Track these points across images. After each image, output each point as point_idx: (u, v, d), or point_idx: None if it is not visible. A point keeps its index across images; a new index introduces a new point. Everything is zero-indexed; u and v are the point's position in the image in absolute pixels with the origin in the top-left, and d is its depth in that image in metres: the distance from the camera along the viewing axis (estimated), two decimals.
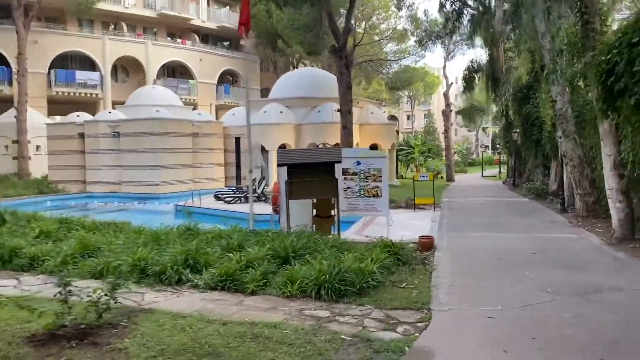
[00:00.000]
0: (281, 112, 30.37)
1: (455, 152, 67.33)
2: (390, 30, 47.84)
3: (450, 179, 40.23)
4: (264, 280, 7.54)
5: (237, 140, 32.89)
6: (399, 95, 76.98)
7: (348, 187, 11.61)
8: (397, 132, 62.29)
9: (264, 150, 28.52)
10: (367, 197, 11.57)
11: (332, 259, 7.79)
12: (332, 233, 11.05)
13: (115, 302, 5.95)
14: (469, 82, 30.97)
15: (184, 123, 28.90)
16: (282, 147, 29.62)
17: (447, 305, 6.70)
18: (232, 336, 5.52)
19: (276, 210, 11.97)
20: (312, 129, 29.84)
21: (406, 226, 14.36)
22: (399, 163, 46.60)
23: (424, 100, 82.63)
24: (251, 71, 51.48)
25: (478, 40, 39.29)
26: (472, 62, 30.75)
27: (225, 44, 53.45)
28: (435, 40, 43.38)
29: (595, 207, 13.86)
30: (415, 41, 46.25)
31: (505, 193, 25.28)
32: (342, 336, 5.56)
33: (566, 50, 10.77)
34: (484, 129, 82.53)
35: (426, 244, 10.51)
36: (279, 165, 10.41)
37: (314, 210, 11.15)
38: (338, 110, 24.00)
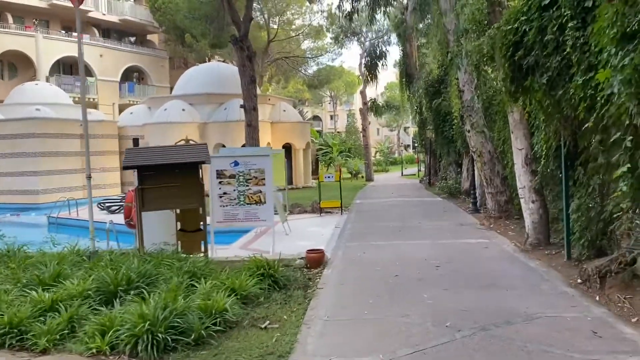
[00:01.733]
0: (183, 109, 27.89)
1: (377, 152, 67.10)
2: (306, 27, 46.39)
3: (369, 178, 39.18)
4: (67, 331, 5.38)
5: (136, 141, 30.00)
6: (322, 95, 76.04)
7: (224, 193, 9.61)
8: (320, 132, 61.05)
9: None
10: (247, 204, 9.61)
11: (170, 294, 5.76)
12: (203, 250, 9.02)
13: None
14: (370, 69, 29.42)
15: (70, 123, 25.65)
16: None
17: (312, 358, 4.86)
18: None
19: (131, 225, 9.74)
20: (218, 127, 27.60)
21: (305, 235, 12.59)
22: (319, 163, 45.18)
23: (346, 100, 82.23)
24: (159, 68, 48.30)
25: (393, 38, 38.81)
26: (373, 46, 29.25)
27: (132, 39, 49.78)
28: (351, 37, 42.30)
29: (508, 207, 12.69)
30: (331, 38, 45.18)
31: (420, 192, 24.22)
32: None
33: (471, 29, 9.40)
34: (405, 129, 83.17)
35: (315, 260, 8.73)
36: (124, 167, 8.23)
37: (179, 223, 9.03)
38: (241, 107, 21.90)
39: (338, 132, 71.78)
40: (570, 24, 5.52)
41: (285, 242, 11.37)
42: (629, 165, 4.42)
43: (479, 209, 14.99)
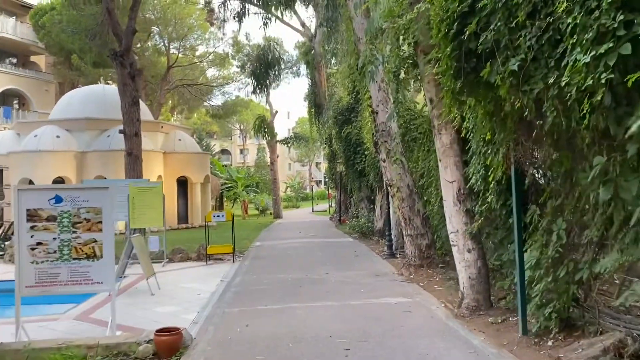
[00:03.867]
0: (58, 136, 23.91)
1: (287, 187, 64.87)
2: (210, 54, 43.71)
3: (277, 215, 36.56)
4: None
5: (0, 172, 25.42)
6: (231, 128, 73.19)
7: (39, 244, 6.49)
8: (226, 166, 57.84)
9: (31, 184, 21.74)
10: (75, 259, 6.55)
11: None
12: None
13: None
14: (260, 78, 26.27)
15: None
16: (59, 180, 23.14)
17: None
18: None
19: None
20: (100, 157, 23.87)
21: (177, 295, 9.62)
22: (224, 199, 41.86)
23: (257, 134, 79.79)
24: (43, 92, 43.18)
25: (303, 70, 37.02)
26: (264, 50, 26.05)
27: (14, 60, 44.35)
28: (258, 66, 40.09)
29: (430, 253, 10.52)
30: (237, 66, 42.80)
31: (330, 231, 21.88)
32: None
33: (388, 27, 7.22)
34: (317, 164, 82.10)
35: (166, 346, 5.83)
36: None
37: None
38: (121, 132, 18.55)
39: (248, 166, 69.03)
40: None
41: (142, 309, 8.43)
42: None
43: (394, 253, 12.79)
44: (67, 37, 24.28)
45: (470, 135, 6.46)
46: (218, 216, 13.71)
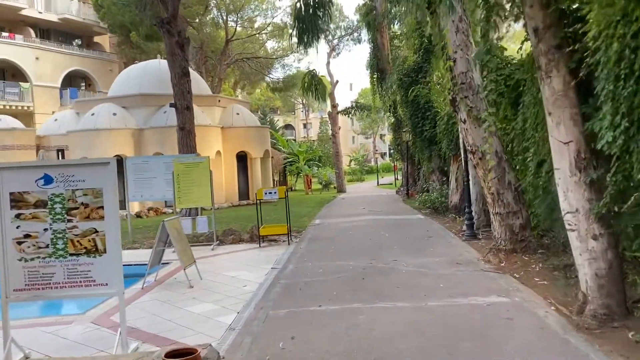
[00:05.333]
0: (115, 114, 23.32)
1: (351, 160, 63.15)
2: (269, 25, 42.18)
3: (340, 189, 35.00)
4: None
5: (60, 152, 25.29)
6: (293, 102, 72.12)
7: (27, 236, 5.14)
8: (288, 141, 56.78)
9: None
10: (72, 254, 5.16)
11: None
12: None
13: None
14: (305, 22, 20.14)
15: None
16: (118, 159, 22.58)
17: None
18: None
19: None
20: (157, 134, 23.10)
21: (220, 286, 8.20)
22: (286, 174, 40.77)
23: (319, 106, 78.62)
24: (107, 72, 43.44)
25: (364, 35, 34.53)
26: None
27: (79, 42, 44.84)
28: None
29: (525, 235, 8.45)
30: (296, 36, 41.06)
31: (397, 207, 19.96)
32: None
33: None
34: (381, 136, 79.80)
35: None
36: None
37: None
38: (172, 105, 17.42)
39: (312, 140, 67.79)
40: None
41: (175, 307, 7.06)
42: None
43: (476, 233, 10.78)
44: (118, 9, 23.49)
45: (601, 72, 4.40)
46: (270, 193, 12.18)
